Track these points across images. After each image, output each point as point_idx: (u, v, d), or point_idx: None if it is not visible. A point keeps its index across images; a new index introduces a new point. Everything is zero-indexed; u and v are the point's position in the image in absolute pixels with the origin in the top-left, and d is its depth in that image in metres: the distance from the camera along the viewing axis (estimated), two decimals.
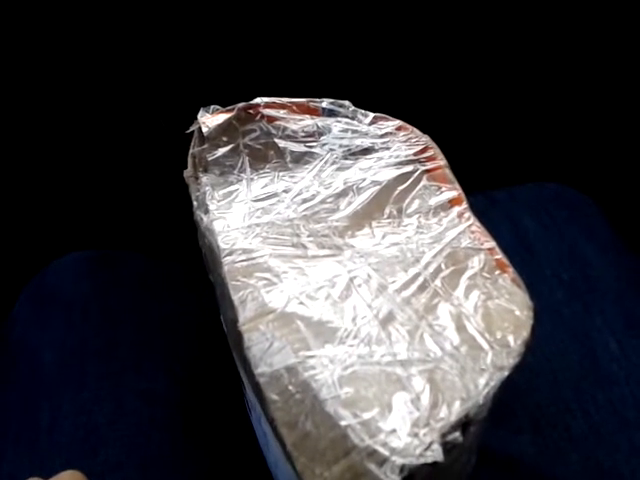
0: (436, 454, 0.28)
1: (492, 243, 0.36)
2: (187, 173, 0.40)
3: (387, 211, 0.38)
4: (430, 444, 0.28)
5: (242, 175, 0.40)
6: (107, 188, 0.79)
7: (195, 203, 0.39)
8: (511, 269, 0.35)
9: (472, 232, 0.37)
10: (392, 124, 0.42)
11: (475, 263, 0.35)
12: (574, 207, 0.59)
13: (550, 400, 0.48)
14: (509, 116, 0.80)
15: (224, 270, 0.35)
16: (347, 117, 0.42)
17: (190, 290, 0.57)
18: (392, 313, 0.33)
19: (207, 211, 0.38)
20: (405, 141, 0.41)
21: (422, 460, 0.28)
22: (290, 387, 0.31)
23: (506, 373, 0.31)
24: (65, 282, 0.58)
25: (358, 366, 0.31)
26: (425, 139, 0.41)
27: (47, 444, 0.48)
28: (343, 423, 0.29)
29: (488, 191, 0.59)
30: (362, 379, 0.31)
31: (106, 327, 0.54)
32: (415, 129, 0.41)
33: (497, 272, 0.35)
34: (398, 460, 0.28)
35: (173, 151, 0.43)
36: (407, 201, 0.39)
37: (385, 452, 0.28)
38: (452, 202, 0.38)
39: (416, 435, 0.29)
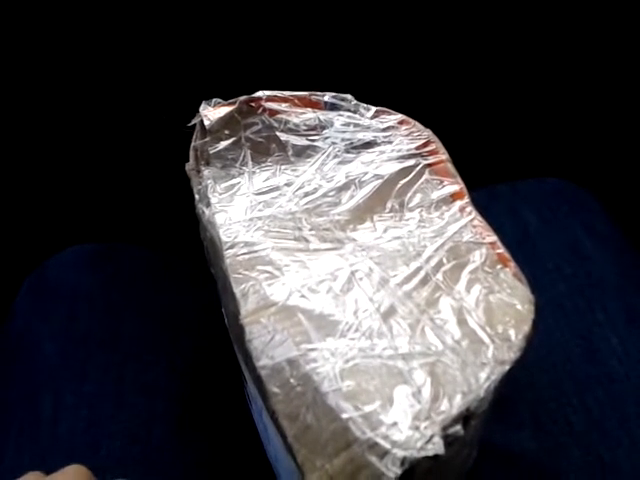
0: (437, 447, 0.28)
1: (494, 237, 0.36)
2: (189, 166, 0.40)
3: (389, 205, 0.38)
4: (431, 437, 0.28)
5: (244, 168, 0.40)
6: (109, 181, 0.79)
7: (197, 196, 0.40)
8: (512, 263, 0.35)
9: (474, 226, 0.37)
10: (394, 118, 0.42)
11: (477, 257, 0.35)
12: (575, 202, 0.59)
13: (551, 395, 0.48)
14: (511, 111, 0.80)
15: (226, 263, 0.35)
16: (349, 111, 0.42)
17: (192, 283, 0.57)
18: (393, 307, 0.33)
19: (209, 204, 0.38)
20: (407, 135, 0.41)
21: (423, 453, 0.28)
22: (291, 380, 0.31)
23: (507, 367, 0.31)
24: (67, 274, 0.58)
25: (359, 359, 0.31)
26: (427, 133, 0.41)
27: (49, 437, 0.48)
28: (344, 416, 0.29)
29: (490, 185, 0.59)
30: (363, 372, 0.31)
31: (107, 320, 0.54)
32: (417, 123, 0.41)
33: (498, 266, 0.35)
34: (399, 453, 0.28)
35: (175, 144, 0.43)
36: (409, 195, 0.39)
37: (386, 445, 0.28)
38: (454, 196, 0.38)
39: (417, 428, 0.29)
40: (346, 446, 0.29)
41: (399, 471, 0.28)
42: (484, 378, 0.30)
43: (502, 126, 0.80)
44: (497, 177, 0.60)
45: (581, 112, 0.81)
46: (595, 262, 0.54)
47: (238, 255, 0.35)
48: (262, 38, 0.71)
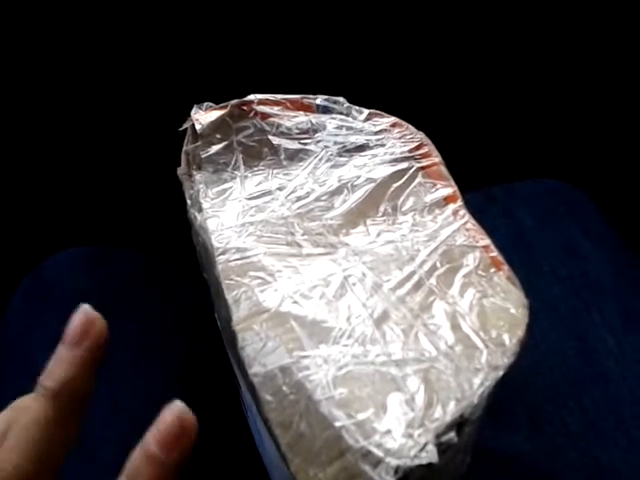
0: (431, 455, 0.28)
1: (487, 241, 0.36)
2: (181, 171, 0.40)
3: (382, 209, 0.38)
4: (425, 445, 0.28)
5: (236, 172, 0.40)
6: (102, 185, 0.78)
7: (189, 201, 0.39)
8: (506, 267, 0.35)
9: (467, 230, 0.37)
10: (387, 121, 0.41)
11: (470, 261, 0.35)
12: (571, 203, 0.59)
13: (547, 397, 0.48)
14: (505, 112, 0.80)
15: (218, 269, 0.35)
16: (341, 113, 0.42)
17: (186, 287, 0.57)
18: (387, 312, 0.33)
19: (201, 209, 0.38)
20: (400, 138, 0.41)
21: (417, 461, 0.28)
22: (284, 387, 0.30)
23: (501, 372, 0.31)
24: (61, 278, 0.58)
25: (352, 366, 0.31)
26: (420, 136, 0.41)
27: None
28: (337, 424, 0.29)
29: (484, 187, 0.59)
30: (356, 379, 0.30)
31: None
32: (410, 126, 0.41)
33: (492, 270, 0.35)
34: (392, 461, 0.28)
35: (168, 148, 0.43)
36: (402, 198, 0.38)
37: (379, 453, 0.28)
38: (447, 199, 0.38)
39: (410, 436, 0.29)
40: (339, 455, 0.29)
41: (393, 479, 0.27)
42: (478, 384, 0.30)
43: (496, 128, 0.80)
44: (491, 179, 0.60)
45: (576, 112, 0.81)
46: (591, 263, 0.54)
47: (230, 261, 0.35)
48: (253, 41, 0.71)
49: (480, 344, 0.32)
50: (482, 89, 0.78)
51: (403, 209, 0.38)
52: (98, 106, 0.74)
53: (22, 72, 0.72)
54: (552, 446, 0.46)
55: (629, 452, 0.46)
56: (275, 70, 0.69)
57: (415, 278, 0.34)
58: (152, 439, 0.29)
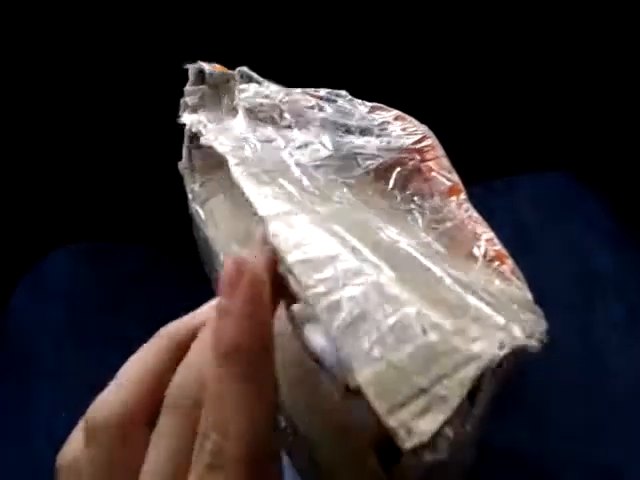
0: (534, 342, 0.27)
1: (491, 234, 0.36)
2: (182, 165, 0.40)
3: (384, 196, 0.37)
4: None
5: (239, 123, 0.38)
6: (102, 180, 0.78)
7: (190, 195, 0.39)
8: (510, 260, 0.35)
9: (470, 223, 0.36)
10: (390, 114, 0.41)
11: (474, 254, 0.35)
12: (575, 196, 0.58)
13: (549, 393, 0.48)
14: (508, 105, 0.79)
15: (235, 176, 0.32)
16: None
17: (188, 282, 0.57)
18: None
19: (202, 203, 0.37)
20: (403, 131, 0.40)
21: (522, 342, 0.26)
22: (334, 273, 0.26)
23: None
24: (63, 273, 0.58)
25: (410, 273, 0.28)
26: (423, 129, 0.40)
27: (44, 437, 0.48)
28: (409, 309, 0.25)
29: (488, 181, 0.59)
30: (422, 284, 0.28)
31: (103, 320, 0.54)
32: (413, 119, 0.41)
33: (496, 263, 0.35)
34: (495, 336, 0.25)
35: (168, 143, 0.42)
36: (404, 191, 0.38)
37: (478, 328, 0.25)
38: (450, 192, 0.38)
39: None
40: (420, 332, 0.24)
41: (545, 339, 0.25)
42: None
43: (499, 121, 0.80)
44: (495, 172, 0.59)
45: (579, 104, 0.81)
46: (595, 258, 0.54)
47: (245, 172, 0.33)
48: (255, 34, 0.70)
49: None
50: (485, 82, 0.78)
51: (405, 202, 0.37)
52: (97, 100, 0.74)
53: (20, 68, 0.72)
54: (554, 442, 0.46)
55: (631, 449, 0.46)
56: (278, 63, 0.69)
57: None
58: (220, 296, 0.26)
